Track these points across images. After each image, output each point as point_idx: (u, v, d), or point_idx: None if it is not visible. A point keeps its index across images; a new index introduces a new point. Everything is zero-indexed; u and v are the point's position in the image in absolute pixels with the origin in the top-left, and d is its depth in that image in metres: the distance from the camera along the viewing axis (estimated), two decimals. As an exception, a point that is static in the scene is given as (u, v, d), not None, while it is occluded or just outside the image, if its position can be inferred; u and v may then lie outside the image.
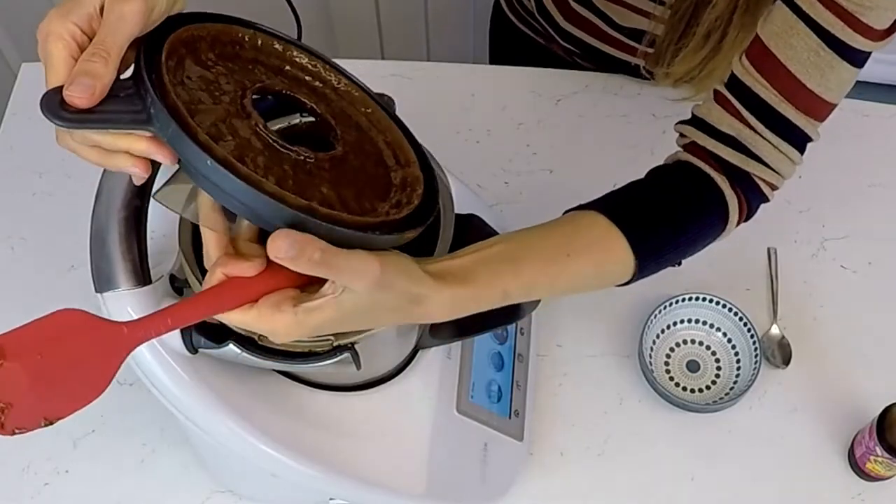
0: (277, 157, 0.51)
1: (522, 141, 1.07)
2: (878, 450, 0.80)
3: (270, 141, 0.52)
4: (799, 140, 0.68)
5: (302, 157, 0.53)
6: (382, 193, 0.56)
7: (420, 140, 0.69)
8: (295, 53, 0.60)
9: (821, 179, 1.03)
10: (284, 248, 0.47)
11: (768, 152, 0.68)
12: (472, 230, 0.65)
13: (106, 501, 0.85)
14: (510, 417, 0.83)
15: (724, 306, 0.91)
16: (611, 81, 1.10)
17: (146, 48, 0.50)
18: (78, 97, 0.45)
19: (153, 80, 0.48)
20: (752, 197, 0.70)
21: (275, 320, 0.50)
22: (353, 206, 0.52)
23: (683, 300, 0.91)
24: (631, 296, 0.95)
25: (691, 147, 0.71)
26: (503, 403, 0.83)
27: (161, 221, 0.65)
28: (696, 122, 0.71)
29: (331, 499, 0.77)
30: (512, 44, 1.20)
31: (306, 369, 0.65)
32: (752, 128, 0.67)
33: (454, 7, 1.79)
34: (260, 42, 0.58)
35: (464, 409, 0.78)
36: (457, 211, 0.68)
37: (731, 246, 0.98)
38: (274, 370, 0.68)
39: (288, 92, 0.57)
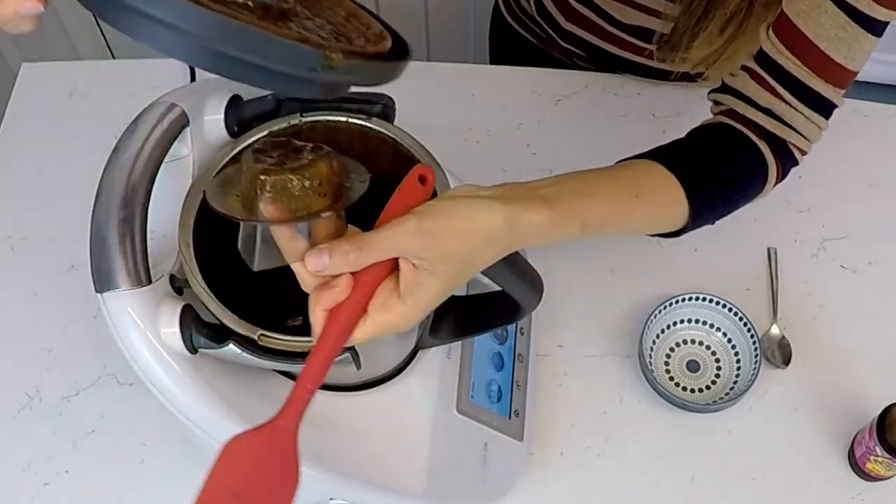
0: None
1: (522, 141, 1.07)
2: (878, 450, 0.80)
3: None
4: (827, 109, 0.73)
5: (248, 3, 0.46)
6: (351, 40, 0.52)
7: (420, 140, 0.69)
8: None
9: (821, 179, 1.03)
10: (315, 261, 0.48)
11: (801, 123, 0.72)
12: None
13: (106, 501, 0.85)
14: (510, 417, 0.83)
15: (724, 306, 0.91)
16: (611, 81, 1.10)
17: None
18: None
19: None
20: (787, 161, 0.75)
21: (392, 319, 0.52)
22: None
23: (683, 300, 0.91)
24: (631, 296, 0.95)
25: (730, 113, 0.74)
26: (503, 403, 0.83)
27: (161, 221, 0.65)
28: (733, 92, 0.74)
29: (331, 499, 0.77)
30: (512, 48, 1.20)
31: (306, 369, 0.65)
32: (786, 102, 0.71)
33: (454, 7, 1.79)
34: None
35: (464, 409, 0.78)
36: (457, 211, 0.68)
37: (731, 246, 0.99)
38: (274, 370, 0.68)
39: None
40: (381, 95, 0.69)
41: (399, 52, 0.52)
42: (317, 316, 0.52)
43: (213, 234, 0.64)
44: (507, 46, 1.21)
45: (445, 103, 1.10)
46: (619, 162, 0.71)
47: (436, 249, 0.51)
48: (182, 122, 0.65)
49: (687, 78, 1.07)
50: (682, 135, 0.76)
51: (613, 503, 0.85)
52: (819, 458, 0.87)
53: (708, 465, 0.87)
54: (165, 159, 0.63)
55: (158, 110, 0.64)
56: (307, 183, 0.52)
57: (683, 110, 1.07)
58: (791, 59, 0.70)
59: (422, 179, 0.54)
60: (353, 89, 0.71)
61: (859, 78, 0.78)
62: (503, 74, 1.15)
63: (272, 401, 0.67)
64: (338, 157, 0.55)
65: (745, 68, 0.73)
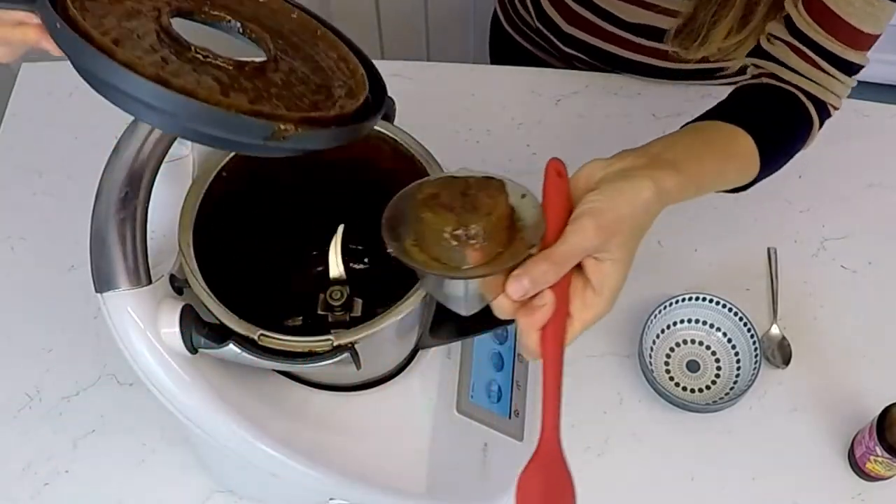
0: (192, 67, 0.50)
1: (522, 141, 1.07)
2: (878, 450, 0.80)
3: (188, 54, 0.51)
4: (856, 71, 0.79)
5: (221, 64, 0.51)
6: (322, 99, 0.55)
7: (420, 140, 0.69)
8: None
9: (821, 179, 1.03)
10: (517, 289, 0.52)
11: (838, 87, 0.79)
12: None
13: (106, 501, 0.85)
14: (510, 417, 0.83)
15: (724, 306, 0.91)
16: (611, 81, 1.10)
17: None
18: None
19: None
20: (824, 116, 0.80)
21: (595, 313, 0.55)
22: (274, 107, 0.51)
23: (683, 300, 0.91)
24: (631, 296, 0.95)
25: (772, 77, 0.79)
26: (503, 403, 0.83)
27: (161, 221, 0.65)
28: (775, 60, 0.79)
29: (331, 499, 0.77)
30: (511, 58, 1.20)
31: (306, 369, 0.65)
32: (824, 71, 0.77)
33: (454, 7, 1.79)
34: None
35: (464, 409, 0.78)
36: (457, 211, 0.68)
37: (731, 246, 0.99)
38: (274, 370, 0.68)
39: (206, 12, 0.56)
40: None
41: (368, 109, 0.55)
42: (532, 338, 0.55)
43: (213, 234, 0.64)
44: (507, 56, 1.21)
45: (445, 103, 1.10)
46: (687, 124, 0.74)
47: (614, 240, 0.54)
48: (182, 122, 0.65)
49: (691, 76, 1.07)
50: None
51: (613, 503, 0.85)
52: (819, 458, 0.87)
53: (708, 465, 0.87)
54: (165, 159, 0.63)
55: (158, 110, 0.64)
56: (495, 220, 0.53)
57: (683, 110, 1.07)
58: (824, 36, 0.75)
59: (558, 173, 0.57)
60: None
61: (859, 78, 0.79)
62: (503, 74, 1.15)
63: (272, 401, 0.67)
64: (495, 178, 0.56)
65: (783, 41, 0.78)
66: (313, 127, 0.50)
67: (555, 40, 1.08)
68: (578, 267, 0.55)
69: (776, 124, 0.77)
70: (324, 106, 0.53)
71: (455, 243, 0.52)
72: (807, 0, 0.75)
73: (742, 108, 0.77)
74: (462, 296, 0.56)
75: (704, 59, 0.92)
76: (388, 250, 0.53)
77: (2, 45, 0.55)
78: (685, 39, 0.89)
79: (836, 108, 0.81)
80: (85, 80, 0.48)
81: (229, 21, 0.56)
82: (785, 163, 0.79)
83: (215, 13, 0.57)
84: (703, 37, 0.89)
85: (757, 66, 0.81)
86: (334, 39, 0.61)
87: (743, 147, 0.73)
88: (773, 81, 0.79)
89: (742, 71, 0.85)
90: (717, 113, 0.75)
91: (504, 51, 1.22)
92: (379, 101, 0.57)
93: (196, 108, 0.46)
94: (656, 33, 0.98)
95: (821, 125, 0.81)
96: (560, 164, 0.57)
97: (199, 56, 0.51)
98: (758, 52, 0.80)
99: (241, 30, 0.57)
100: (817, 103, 0.79)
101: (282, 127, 0.48)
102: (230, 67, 0.51)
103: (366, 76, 0.58)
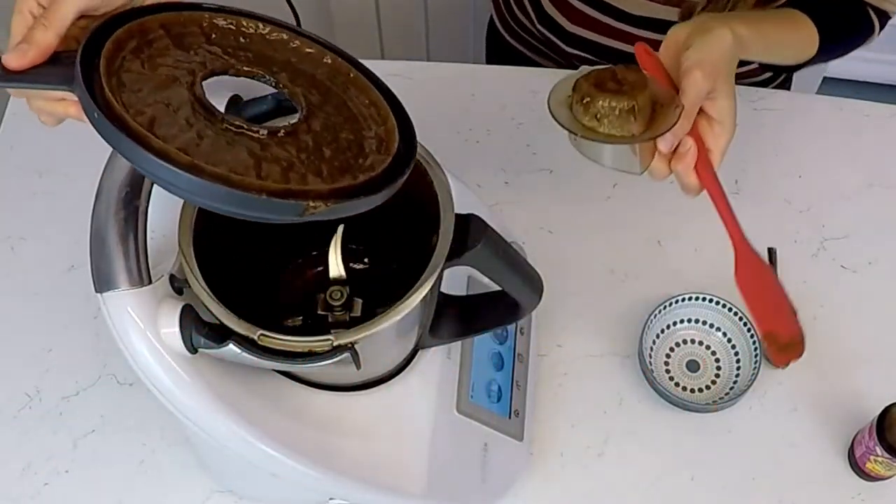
0: (226, 139, 0.52)
1: (522, 141, 1.07)
2: (878, 450, 0.80)
3: (221, 125, 0.52)
4: None
5: (254, 134, 0.53)
6: (353, 156, 0.56)
7: (420, 140, 0.69)
8: (244, 24, 0.60)
9: (821, 179, 1.03)
10: (667, 144, 0.66)
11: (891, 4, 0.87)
12: (471, 230, 0.65)
13: (106, 501, 0.85)
14: (510, 417, 0.83)
15: (724, 306, 0.91)
16: (611, 81, 1.10)
17: (98, 28, 0.52)
18: (9, 60, 0.52)
19: (86, 54, 0.50)
20: (884, 21, 0.88)
21: (727, 139, 0.68)
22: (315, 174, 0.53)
23: (683, 300, 0.91)
24: (631, 296, 0.95)
25: None
26: (503, 403, 0.83)
27: (161, 221, 0.65)
28: None
29: (331, 499, 0.77)
30: (508, 63, 1.20)
31: (306, 369, 0.65)
32: None
33: (454, 7, 1.79)
34: (211, 23, 0.59)
35: (464, 409, 0.78)
36: (457, 211, 0.68)
37: (731, 246, 0.99)
38: (274, 370, 0.68)
39: (238, 68, 0.58)
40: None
41: (399, 163, 0.57)
42: (691, 177, 0.68)
43: (213, 234, 0.64)
44: (504, 62, 1.21)
45: (445, 103, 1.10)
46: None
47: (718, 80, 0.66)
48: (182, 122, 0.65)
49: None
50: None
51: (613, 503, 0.85)
52: (819, 458, 0.87)
53: (708, 465, 0.87)
54: (165, 159, 0.63)
55: (158, 110, 0.64)
56: (648, 94, 0.66)
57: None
58: None
59: (647, 52, 0.70)
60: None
61: (860, 78, 0.78)
62: (503, 74, 1.15)
63: (272, 401, 0.67)
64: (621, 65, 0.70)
65: None
66: (341, 200, 0.52)
67: (557, 41, 1.08)
68: (699, 110, 0.67)
69: (837, 16, 0.85)
70: (355, 167, 0.55)
71: (631, 118, 0.65)
72: None
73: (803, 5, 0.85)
74: (633, 159, 0.70)
75: None
76: (572, 136, 0.68)
77: (46, 115, 0.59)
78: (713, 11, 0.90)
79: (888, 19, 0.88)
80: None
81: (264, 76, 0.58)
82: (842, 53, 0.87)
83: (248, 69, 0.58)
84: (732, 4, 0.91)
85: None
86: (365, 83, 0.62)
87: (802, 25, 0.82)
88: None
89: (756, 72, 0.87)
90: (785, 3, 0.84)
91: (502, 58, 1.22)
92: (409, 151, 0.59)
93: (228, 194, 0.48)
94: (661, 25, 0.98)
95: (881, 28, 0.88)
96: (646, 46, 0.70)
97: (231, 128, 0.53)
98: None
99: (275, 84, 0.59)
100: (877, 10, 0.86)
101: (311, 205, 0.50)
102: (263, 136, 0.53)
103: (396, 124, 0.60)
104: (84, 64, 0.50)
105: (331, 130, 0.57)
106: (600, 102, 0.66)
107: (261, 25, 0.60)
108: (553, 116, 0.68)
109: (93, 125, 0.49)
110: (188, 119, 0.52)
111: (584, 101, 0.66)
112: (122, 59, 0.53)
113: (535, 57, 1.16)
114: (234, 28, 0.59)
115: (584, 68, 0.71)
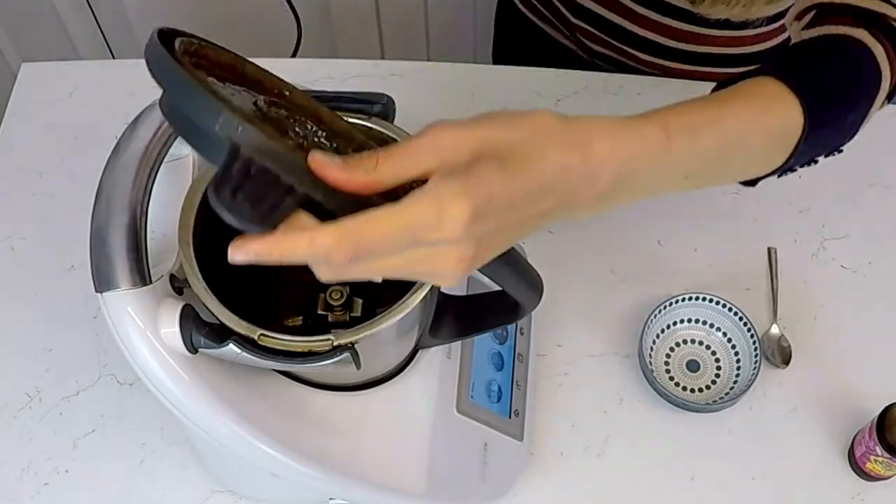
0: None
1: (522, 141, 1.07)
2: (878, 449, 0.80)
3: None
4: None
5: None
6: None
7: (420, 140, 0.69)
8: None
9: (821, 179, 1.03)
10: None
11: None
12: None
13: (106, 501, 0.85)
14: (510, 417, 0.83)
15: (724, 306, 0.91)
16: (611, 81, 1.10)
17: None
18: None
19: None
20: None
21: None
22: None
23: (683, 300, 0.91)
24: (631, 296, 0.95)
25: (815, 21, 0.66)
26: (503, 403, 0.83)
27: (161, 221, 0.65)
28: None
29: (331, 499, 0.78)
30: (518, 33, 1.19)
31: (306, 369, 0.65)
32: None
33: (454, 7, 1.79)
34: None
35: (464, 409, 0.78)
36: (457, 211, 0.68)
37: (731, 246, 0.99)
38: (274, 370, 0.68)
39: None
40: (381, 95, 0.69)
41: None
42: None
43: (213, 234, 0.64)
44: (514, 32, 1.20)
45: (445, 103, 1.10)
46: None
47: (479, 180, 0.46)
48: (182, 122, 0.65)
49: (696, 60, 1.05)
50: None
51: (613, 503, 0.85)
52: (819, 458, 0.87)
53: (708, 465, 0.87)
54: (165, 159, 0.63)
55: (158, 110, 0.64)
56: None
57: (683, 110, 1.07)
58: None
59: None
60: (352, 88, 0.71)
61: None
62: (503, 74, 1.15)
63: (272, 401, 0.67)
64: None
65: None
66: None
67: (563, 10, 1.07)
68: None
69: (817, 65, 0.62)
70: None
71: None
72: None
73: (770, 58, 0.64)
74: None
75: (714, 37, 0.86)
76: None
77: None
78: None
79: None
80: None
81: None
82: (849, 112, 0.63)
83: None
84: None
85: (799, 18, 0.67)
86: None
87: (758, 87, 0.60)
88: (813, 30, 0.64)
89: (757, 57, 0.75)
90: (742, 74, 0.62)
91: (511, 26, 1.20)
92: None
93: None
94: (664, 8, 0.97)
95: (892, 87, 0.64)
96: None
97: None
98: None
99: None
100: (873, 22, 0.63)
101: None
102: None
103: None
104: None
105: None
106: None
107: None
108: None
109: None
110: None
111: None
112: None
113: (543, 25, 1.15)
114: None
115: None
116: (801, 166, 0.63)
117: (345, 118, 0.63)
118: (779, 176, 0.63)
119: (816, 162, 0.65)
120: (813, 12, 0.67)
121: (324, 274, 0.44)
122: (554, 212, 0.48)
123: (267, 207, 0.42)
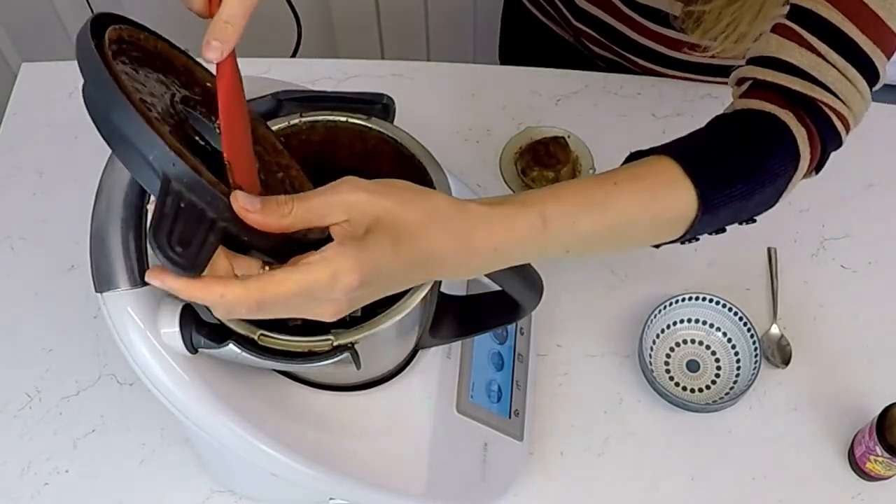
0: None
1: (522, 141, 1.07)
2: (878, 449, 0.80)
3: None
4: (866, 68, 0.64)
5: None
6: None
7: (420, 140, 0.69)
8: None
9: (821, 179, 1.02)
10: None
11: (833, 78, 0.63)
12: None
13: (106, 501, 0.85)
14: (510, 417, 0.83)
15: (724, 306, 0.91)
16: (610, 81, 1.10)
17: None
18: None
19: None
20: (824, 128, 0.65)
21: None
22: None
23: (683, 300, 0.91)
24: (631, 296, 0.95)
25: (750, 92, 0.66)
26: (503, 403, 0.83)
27: (161, 221, 0.65)
28: (753, 60, 0.67)
29: (331, 499, 0.78)
30: (523, 30, 1.19)
31: (306, 369, 0.65)
32: (815, 50, 0.63)
33: (454, 7, 1.79)
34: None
35: (464, 408, 0.78)
36: (457, 211, 0.68)
37: (731, 246, 0.99)
38: (274, 370, 0.68)
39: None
40: (381, 95, 0.69)
41: None
42: None
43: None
44: (520, 29, 1.20)
45: (445, 103, 1.10)
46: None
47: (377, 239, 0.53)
48: (182, 122, 0.65)
49: (697, 70, 1.06)
50: (682, 135, 0.69)
51: (613, 503, 0.85)
52: (819, 458, 0.87)
53: (708, 465, 0.87)
54: (165, 159, 0.63)
55: (158, 110, 0.64)
56: None
57: (683, 110, 1.07)
58: (821, 2, 0.62)
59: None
60: (353, 88, 0.71)
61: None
62: (503, 74, 1.15)
63: (272, 401, 0.67)
64: None
65: (771, 28, 0.66)
66: None
67: (566, 12, 1.07)
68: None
69: (724, 146, 0.63)
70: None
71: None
72: None
73: (680, 138, 0.64)
74: None
75: (703, 50, 0.88)
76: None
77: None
78: (686, 19, 0.83)
79: (842, 121, 0.65)
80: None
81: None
82: (751, 196, 0.63)
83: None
84: (696, 17, 0.81)
85: (738, 85, 0.68)
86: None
87: (648, 171, 0.61)
88: (748, 102, 0.65)
89: None
90: (650, 149, 0.63)
91: (516, 22, 1.20)
92: None
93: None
94: (664, 18, 0.97)
95: (822, 141, 0.65)
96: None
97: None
98: (745, 62, 0.69)
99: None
100: (803, 105, 0.63)
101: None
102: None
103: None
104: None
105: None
106: (534, 172, 0.99)
107: None
108: (502, 173, 1.01)
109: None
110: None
111: (524, 167, 1.00)
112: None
113: (549, 23, 1.15)
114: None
115: (534, 130, 1.01)
116: (712, 234, 0.65)
117: (266, 123, 0.64)
118: (682, 243, 0.65)
119: (725, 230, 0.66)
120: (749, 82, 0.67)
121: (220, 314, 0.52)
122: (426, 279, 0.57)
123: (195, 248, 0.47)
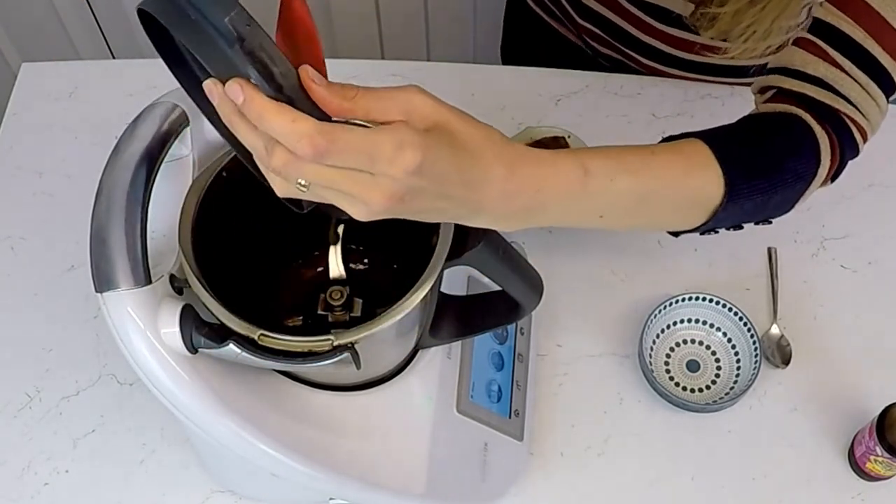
0: None
1: (522, 141, 1.07)
2: (878, 449, 0.80)
3: None
4: (886, 83, 0.67)
5: None
6: None
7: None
8: None
9: (821, 179, 1.03)
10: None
11: (856, 92, 0.66)
12: (471, 230, 0.65)
13: (106, 501, 0.85)
14: (510, 417, 0.83)
15: (724, 306, 0.91)
16: (611, 81, 1.10)
17: None
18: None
19: None
20: (844, 138, 0.68)
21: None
22: None
23: (683, 300, 0.91)
24: (631, 296, 0.95)
25: (774, 98, 0.69)
26: (503, 403, 0.83)
27: (161, 221, 0.65)
28: (778, 70, 0.69)
29: (331, 499, 0.78)
30: (526, 28, 1.19)
31: (306, 369, 0.65)
32: (838, 66, 0.66)
33: (454, 7, 1.79)
34: None
35: (464, 408, 0.78)
36: (457, 211, 0.68)
37: (731, 246, 0.99)
38: (274, 370, 0.68)
39: None
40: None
41: None
42: None
43: (213, 234, 0.64)
44: (523, 28, 1.20)
45: (445, 103, 1.10)
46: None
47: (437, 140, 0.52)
48: (182, 122, 0.65)
49: (700, 70, 1.05)
50: None
51: (613, 503, 0.85)
52: (819, 458, 0.87)
53: (708, 465, 0.87)
54: (165, 159, 0.63)
55: (158, 110, 0.64)
56: None
57: (683, 110, 1.07)
58: (845, 20, 0.65)
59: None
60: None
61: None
62: (503, 74, 1.15)
63: (272, 401, 0.67)
64: None
65: (795, 39, 0.68)
66: None
67: (570, 10, 1.07)
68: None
69: (752, 140, 0.65)
70: None
71: None
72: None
73: (713, 129, 0.67)
74: None
75: (712, 50, 0.87)
76: None
77: None
78: (700, 18, 0.83)
79: (861, 132, 0.68)
80: None
81: None
82: (772, 189, 0.65)
83: None
84: (711, 15, 0.85)
85: (762, 93, 0.71)
86: None
87: (683, 148, 0.63)
88: (773, 106, 0.68)
89: (759, 71, 0.79)
90: (683, 135, 0.66)
91: (520, 21, 1.20)
92: None
93: None
94: (670, 17, 0.97)
95: (841, 153, 0.68)
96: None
97: None
98: (767, 69, 0.72)
99: None
100: (825, 115, 0.66)
101: None
102: None
103: None
104: None
105: None
106: None
107: None
108: None
109: None
110: None
111: None
112: None
113: (553, 22, 1.15)
114: None
115: (534, 130, 0.95)
116: (729, 229, 0.67)
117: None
118: (701, 234, 0.67)
119: (742, 227, 0.68)
120: (774, 90, 0.70)
121: (278, 157, 0.47)
122: (468, 210, 0.54)
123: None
